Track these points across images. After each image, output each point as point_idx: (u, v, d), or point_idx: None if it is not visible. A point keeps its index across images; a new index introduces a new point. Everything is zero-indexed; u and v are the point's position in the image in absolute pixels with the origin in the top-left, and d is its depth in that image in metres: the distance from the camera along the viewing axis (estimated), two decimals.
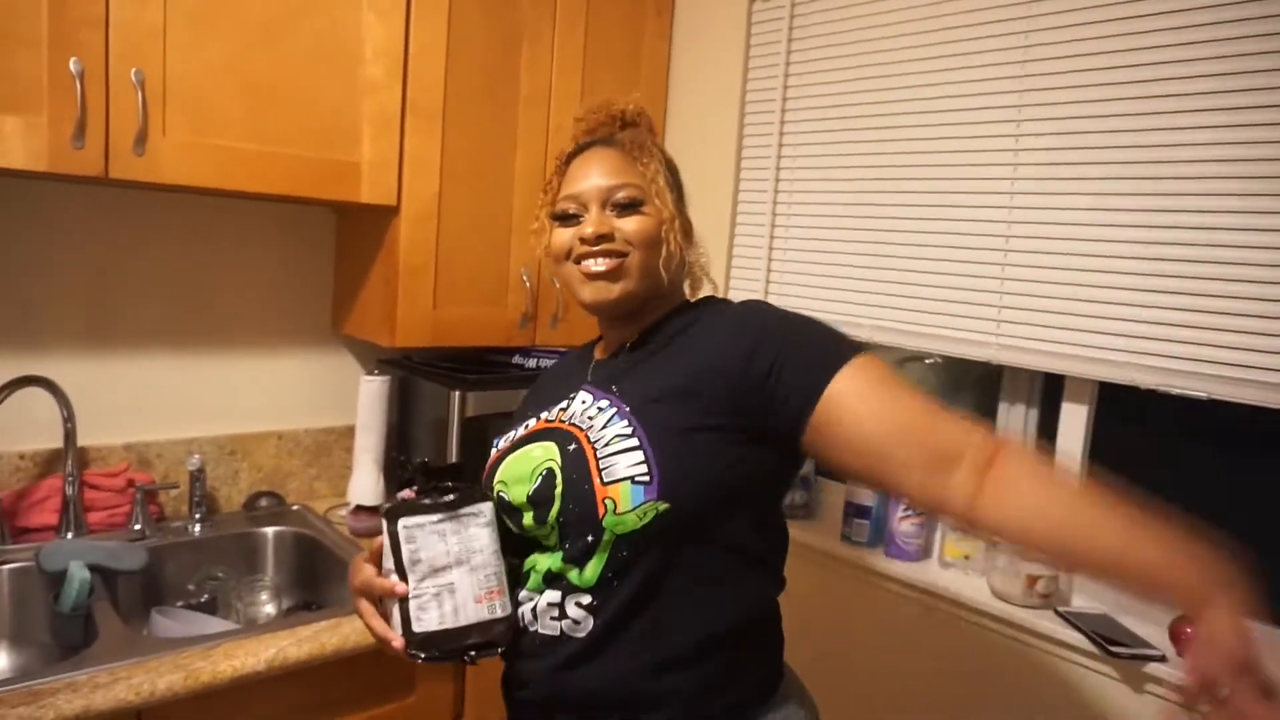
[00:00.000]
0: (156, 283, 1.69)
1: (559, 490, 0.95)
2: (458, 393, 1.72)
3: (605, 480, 0.92)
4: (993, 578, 1.49)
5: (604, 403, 0.99)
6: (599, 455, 0.93)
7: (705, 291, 1.12)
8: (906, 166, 1.63)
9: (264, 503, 1.82)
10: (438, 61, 1.62)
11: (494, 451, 1.09)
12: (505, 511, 1.01)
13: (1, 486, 1.54)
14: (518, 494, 0.99)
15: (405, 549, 0.94)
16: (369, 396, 1.78)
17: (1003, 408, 1.68)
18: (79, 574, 1.35)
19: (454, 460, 1.39)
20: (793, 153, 1.84)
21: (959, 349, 1.56)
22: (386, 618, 0.98)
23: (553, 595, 0.96)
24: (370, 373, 1.82)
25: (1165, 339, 1.31)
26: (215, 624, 1.53)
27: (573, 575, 0.95)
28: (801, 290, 1.82)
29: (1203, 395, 1.27)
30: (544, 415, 1.06)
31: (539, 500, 0.96)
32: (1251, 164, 1.23)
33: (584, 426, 0.98)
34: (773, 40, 1.86)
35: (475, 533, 0.96)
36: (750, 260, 1.92)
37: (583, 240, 1.00)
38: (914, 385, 0.91)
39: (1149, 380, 1.33)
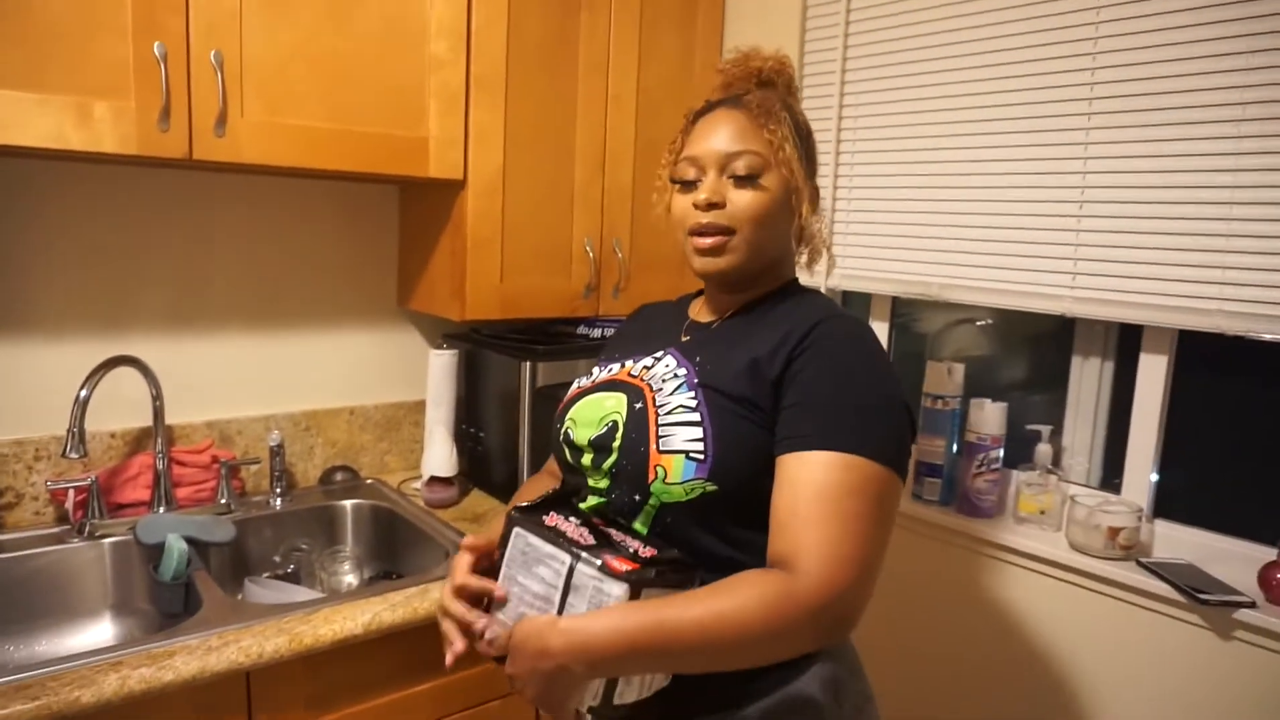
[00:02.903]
0: (232, 265, 1.73)
1: (617, 444, 0.98)
2: (528, 364, 1.74)
3: (661, 448, 0.94)
4: (1071, 531, 1.49)
5: (682, 370, 1.01)
6: (660, 421, 0.96)
7: (822, 264, 1.14)
8: (975, 120, 1.60)
9: (339, 477, 1.86)
10: (499, 34, 1.63)
11: (575, 387, 1.12)
12: (568, 445, 1.05)
13: (96, 464, 1.59)
14: (582, 435, 1.02)
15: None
16: (439, 370, 1.81)
17: (1075, 362, 1.67)
18: (177, 545, 1.40)
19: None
20: (854, 105, 1.82)
21: (1031, 303, 1.55)
22: None
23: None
24: (438, 347, 1.85)
25: (1251, 284, 1.29)
26: (305, 593, 1.57)
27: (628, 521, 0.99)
28: (865, 250, 1.81)
29: None
30: (628, 364, 1.08)
31: (600, 446, 1.00)
32: None
33: (656, 388, 1.00)
34: None
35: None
36: None
37: (695, 206, 1.02)
38: (858, 514, 0.87)
39: (1234, 326, 1.31)
